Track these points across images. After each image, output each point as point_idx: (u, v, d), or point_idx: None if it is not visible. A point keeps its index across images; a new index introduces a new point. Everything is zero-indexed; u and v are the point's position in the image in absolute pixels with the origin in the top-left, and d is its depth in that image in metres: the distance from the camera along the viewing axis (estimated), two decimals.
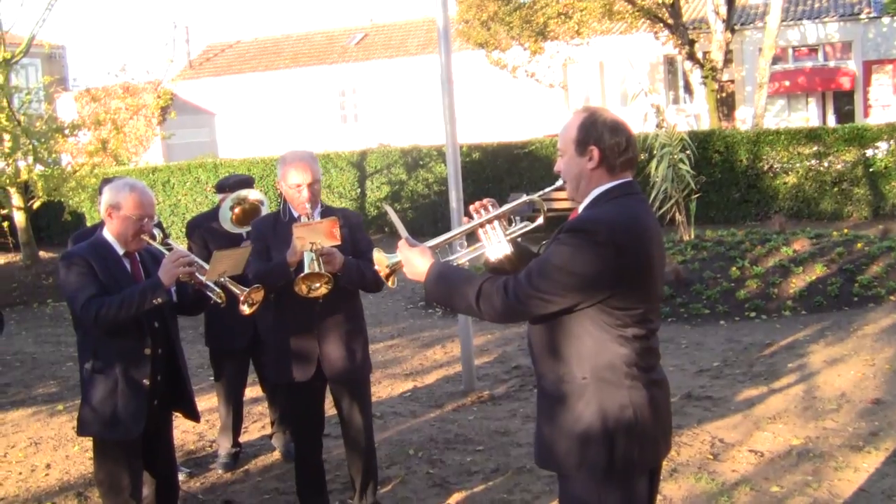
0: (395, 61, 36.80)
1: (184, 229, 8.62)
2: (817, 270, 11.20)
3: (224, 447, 6.76)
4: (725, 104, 26.55)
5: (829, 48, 31.08)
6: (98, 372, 4.54)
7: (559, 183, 3.48)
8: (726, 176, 18.93)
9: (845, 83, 30.21)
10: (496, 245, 3.56)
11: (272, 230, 5.29)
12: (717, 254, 11.93)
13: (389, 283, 3.68)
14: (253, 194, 6.49)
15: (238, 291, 4.70)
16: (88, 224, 20.21)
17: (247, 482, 6.45)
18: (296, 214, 5.16)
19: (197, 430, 7.52)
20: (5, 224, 16.60)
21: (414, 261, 3.48)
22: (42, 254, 18.64)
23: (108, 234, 4.62)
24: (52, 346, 11.80)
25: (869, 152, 18.20)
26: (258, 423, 7.73)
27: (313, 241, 4.81)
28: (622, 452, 3.19)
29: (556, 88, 29.34)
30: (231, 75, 39.89)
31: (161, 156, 34.10)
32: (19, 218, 17.52)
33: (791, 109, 31.57)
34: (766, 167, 18.86)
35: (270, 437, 7.08)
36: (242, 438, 7.03)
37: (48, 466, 7.00)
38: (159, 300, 4.42)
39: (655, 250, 3.26)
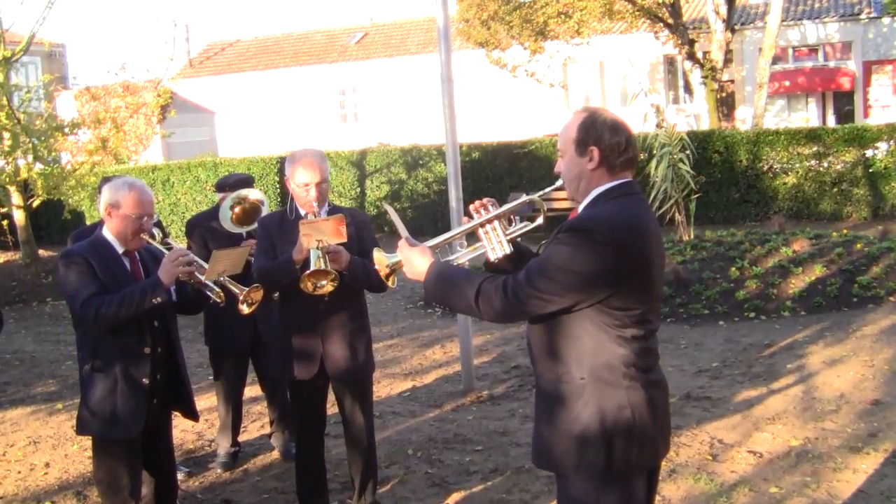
0: (395, 60, 36.80)
1: (183, 228, 8.62)
2: (817, 271, 11.20)
3: (223, 446, 6.76)
4: (725, 104, 26.55)
5: (829, 48, 31.08)
6: (97, 371, 4.55)
7: (559, 183, 3.48)
8: (726, 176, 18.93)
9: (845, 83, 30.21)
10: (496, 245, 3.57)
11: (278, 228, 5.28)
12: (716, 254, 11.93)
13: (389, 283, 3.69)
14: (253, 194, 6.48)
15: (237, 291, 4.70)
16: (88, 223, 20.22)
17: (246, 481, 6.44)
18: (302, 212, 5.16)
19: (196, 429, 7.52)
20: (5, 222, 16.59)
21: (414, 260, 3.48)
22: (41, 252, 18.62)
23: (107, 232, 4.62)
24: (51, 345, 11.80)
25: (869, 153, 18.21)
26: (257, 422, 7.73)
27: (320, 238, 4.81)
28: (620, 453, 3.19)
29: (555, 88, 29.34)
30: (231, 74, 39.89)
31: (161, 154, 34.10)
32: (19, 216, 17.51)
33: (791, 109, 31.58)
34: (765, 167, 18.87)
35: (269, 436, 7.07)
36: (241, 438, 7.03)
37: (47, 465, 7.00)
38: (159, 299, 4.42)
39: (655, 250, 3.26)
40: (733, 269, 11.40)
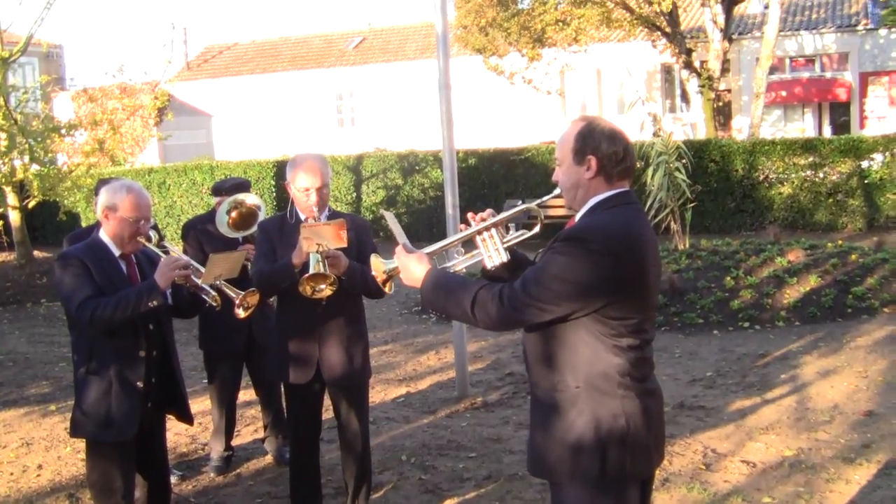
0: (392, 65, 36.82)
1: (179, 231, 8.62)
2: (811, 281, 11.22)
3: (216, 450, 6.75)
4: (722, 113, 26.54)
5: (826, 59, 31.14)
6: (92, 373, 4.54)
7: (557, 191, 3.49)
8: (722, 185, 18.97)
9: (842, 94, 30.27)
10: (493, 253, 3.58)
11: (279, 232, 5.29)
12: (711, 263, 11.94)
13: (386, 289, 3.70)
14: (250, 198, 6.47)
15: (233, 295, 4.70)
16: (83, 224, 20.24)
17: (239, 486, 6.44)
18: (303, 217, 5.16)
19: (189, 432, 7.50)
20: (0, 223, 16.56)
21: (411, 267, 3.49)
22: (36, 253, 18.60)
23: (104, 235, 4.62)
24: (45, 347, 11.78)
25: (864, 164, 18.26)
26: (251, 426, 7.73)
27: (320, 242, 4.81)
28: (614, 462, 3.20)
29: (552, 95, 29.35)
30: (228, 77, 39.89)
31: (157, 157, 34.09)
32: (14, 217, 17.49)
33: (787, 120, 31.63)
34: (761, 177, 18.90)
35: (263, 440, 7.06)
36: (235, 442, 7.02)
37: (40, 467, 6.99)
38: (155, 303, 4.42)
39: (651, 260, 3.27)
40: (728, 278, 11.42)
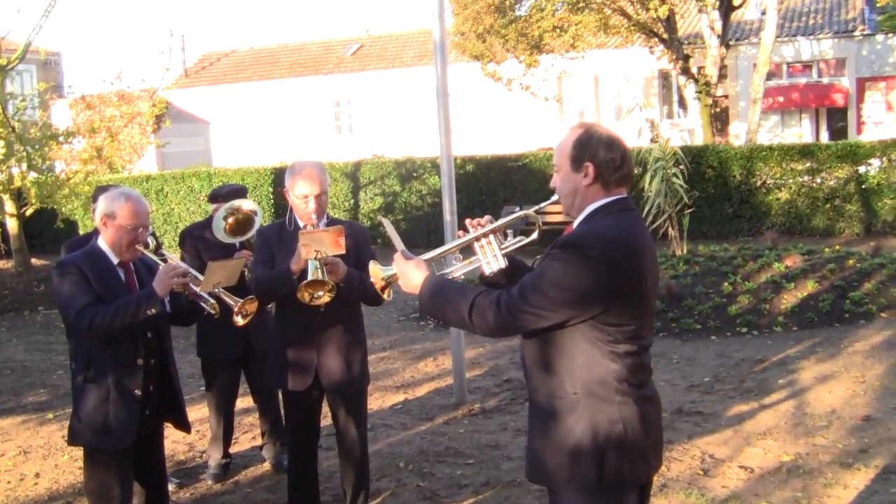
0: (390, 72, 36.87)
1: (177, 238, 8.62)
2: (809, 287, 11.23)
3: (214, 458, 6.75)
4: (719, 119, 26.62)
5: (822, 65, 31.21)
6: (90, 381, 4.54)
7: (555, 198, 3.50)
8: (719, 191, 18.97)
9: (838, 100, 30.33)
10: (491, 259, 3.58)
11: (277, 239, 5.30)
12: (709, 269, 11.94)
13: (385, 296, 3.71)
14: (247, 204, 6.48)
15: (232, 302, 4.71)
16: (81, 232, 20.21)
17: (236, 493, 6.43)
18: (301, 224, 5.16)
19: (187, 440, 7.50)
20: None
21: (409, 273, 3.50)
22: (34, 261, 18.60)
23: (102, 243, 4.62)
24: (42, 354, 11.77)
25: (861, 169, 18.26)
26: (249, 433, 7.72)
27: (318, 249, 4.82)
28: (612, 467, 3.20)
29: (550, 101, 29.38)
30: (226, 84, 39.94)
31: (155, 164, 34.07)
32: (12, 224, 17.49)
33: (784, 125, 31.69)
34: (759, 183, 18.91)
35: (261, 448, 7.06)
36: (233, 449, 7.02)
37: (37, 475, 6.98)
38: (153, 310, 4.43)
39: (649, 267, 3.27)
40: (726, 284, 11.42)
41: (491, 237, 3.60)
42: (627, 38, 26.93)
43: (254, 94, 38.72)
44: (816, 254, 12.39)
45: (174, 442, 7.39)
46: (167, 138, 26.14)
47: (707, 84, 24.56)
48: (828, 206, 18.47)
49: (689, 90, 25.74)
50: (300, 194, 5.09)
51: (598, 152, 3.29)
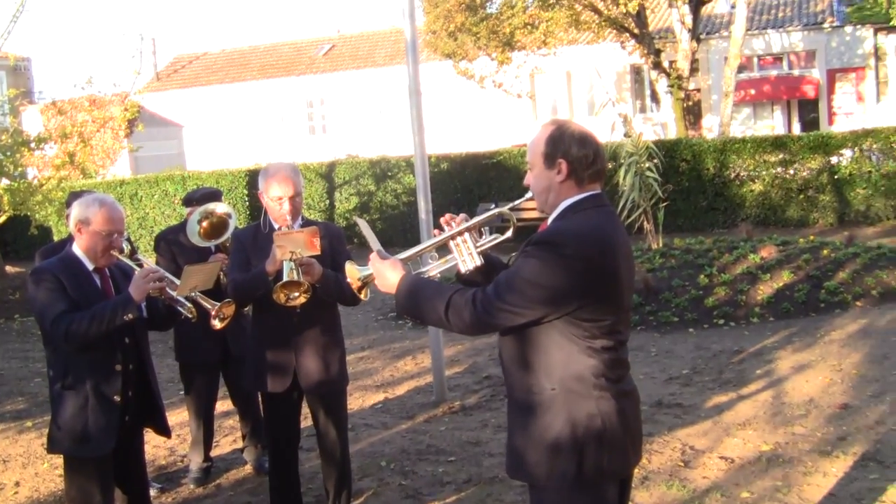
0: (362, 72, 36.80)
1: (152, 243, 8.59)
2: (784, 277, 11.31)
3: (195, 462, 6.73)
4: (692, 113, 26.73)
5: (793, 57, 31.37)
6: (68, 388, 4.52)
7: (529, 195, 3.51)
8: (693, 184, 19.08)
9: (809, 91, 30.50)
10: (467, 257, 3.59)
11: (252, 241, 5.30)
12: (685, 262, 12.01)
13: (361, 296, 3.72)
14: (220, 208, 6.46)
15: (209, 306, 4.70)
16: (55, 238, 20.08)
17: (219, 496, 6.42)
18: (276, 226, 5.16)
19: (168, 444, 7.47)
20: None
21: (385, 273, 3.50)
22: (9, 268, 18.48)
23: (77, 249, 4.59)
24: (19, 362, 11.69)
25: (834, 160, 18.41)
26: (229, 436, 7.70)
27: (293, 250, 4.82)
28: (591, 461, 3.21)
29: (523, 98, 29.42)
30: (198, 87, 39.75)
31: (129, 168, 33.93)
32: None
33: (757, 118, 31.84)
34: (732, 175, 19.03)
35: (242, 450, 7.05)
36: (214, 452, 7.00)
37: (17, 484, 6.94)
38: (130, 316, 4.40)
39: (623, 262, 3.28)
40: (702, 276, 11.49)
41: (466, 235, 3.60)
42: (599, 34, 26.98)
43: (226, 97, 38.57)
44: (791, 244, 12.48)
45: (155, 447, 7.37)
46: (140, 142, 26.02)
47: (679, 78, 24.66)
48: (801, 196, 18.60)
49: (662, 84, 25.83)
50: (274, 196, 5.09)
51: (570, 149, 3.30)
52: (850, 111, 30.25)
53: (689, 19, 24.46)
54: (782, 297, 10.96)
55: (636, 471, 4.08)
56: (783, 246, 12.37)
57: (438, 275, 3.68)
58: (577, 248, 3.14)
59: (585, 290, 3.15)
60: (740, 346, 9.54)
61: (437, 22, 26.33)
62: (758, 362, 8.87)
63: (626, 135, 13.36)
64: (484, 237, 3.70)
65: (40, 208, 17.81)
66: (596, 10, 24.84)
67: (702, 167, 19.06)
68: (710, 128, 29.28)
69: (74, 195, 5.81)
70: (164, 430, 4.97)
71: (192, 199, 6.67)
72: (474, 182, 20.63)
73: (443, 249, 3.67)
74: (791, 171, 18.67)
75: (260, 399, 5.65)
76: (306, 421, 5.81)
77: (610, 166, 11.85)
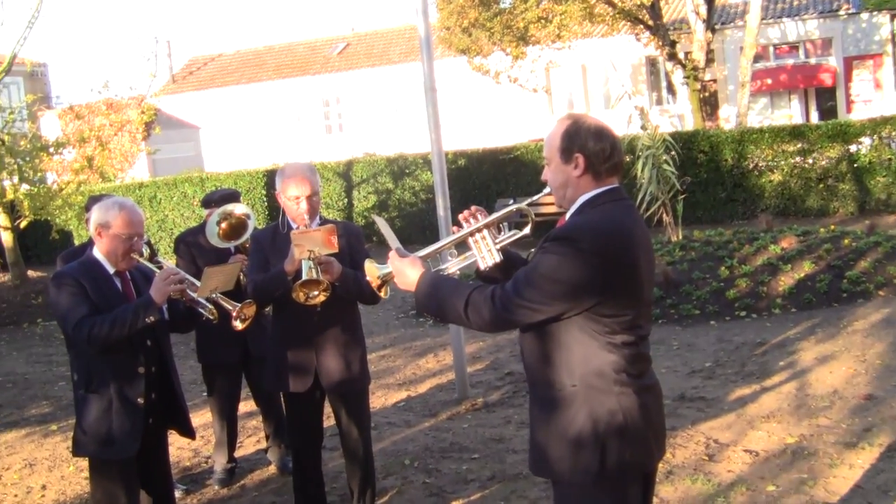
0: (377, 70, 36.84)
1: (171, 245, 8.62)
2: (805, 268, 11.24)
3: (220, 463, 6.75)
4: (708, 104, 26.59)
5: (809, 45, 31.23)
6: (92, 392, 4.54)
7: (547, 190, 3.49)
8: (712, 175, 19.00)
9: (827, 80, 30.36)
10: (486, 254, 3.59)
11: (271, 242, 5.30)
12: (705, 254, 11.96)
13: (381, 294, 3.72)
14: (239, 208, 6.46)
15: (230, 307, 4.70)
16: (76, 242, 20.19)
17: (243, 497, 6.43)
18: (294, 226, 5.16)
19: (192, 446, 7.49)
20: None
21: (405, 271, 3.50)
22: (30, 273, 18.56)
23: (97, 253, 4.62)
24: (43, 366, 11.76)
25: (853, 148, 18.29)
26: (253, 437, 7.72)
27: (312, 248, 4.82)
28: (614, 457, 3.20)
29: (539, 92, 29.38)
30: (214, 88, 39.89)
31: (147, 171, 34.03)
32: (6, 237, 17.46)
33: (774, 107, 31.72)
34: (751, 166, 18.93)
35: (266, 451, 7.06)
36: (238, 453, 7.01)
37: (44, 487, 6.98)
38: (151, 318, 4.42)
39: (642, 256, 3.27)
40: (723, 268, 11.44)
41: (485, 232, 3.60)
42: (613, 27, 26.89)
43: (242, 98, 38.68)
44: (811, 234, 12.41)
45: (179, 448, 7.40)
46: (158, 145, 26.13)
47: (695, 69, 24.56)
48: (821, 186, 18.49)
49: (677, 76, 25.73)
50: (291, 196, 5.09)
51: (587, 143, 3.29)
52: (868, 98, 30.09)
53: (703, 9, 24.36)
54: (804, 287, 10.91)
55: (660, 465, 4.06)
56: (804, 236, 12.31)
57: (458, 272, 3.67)
58: (595, 242, 3.13)
59: (605, 285, 3.13)
60: (762, 337, 9.50)
61: (451, 18, 26.32)
62: (780, 354, 8.82)
63: (643, 127, 13.32)
64: (503, 233, 3.70)
65: (60, 213, 17.92)
66: (610, 3, 24.76)
67: (720, 158, 18.98)
68: (728, 118, 29.18)
69: (94, 199, 5.82)
70: (188, 432, 4.98)
71: (210, 201, 6.69)
72: (492, 178, 20.60)
73: (462, 246, 3.67)
74: (810, 161, 18.56)
75: (282, 399, 5.66)
76: (329, 420, 5.81)
77: (627, 159, 11.82)
